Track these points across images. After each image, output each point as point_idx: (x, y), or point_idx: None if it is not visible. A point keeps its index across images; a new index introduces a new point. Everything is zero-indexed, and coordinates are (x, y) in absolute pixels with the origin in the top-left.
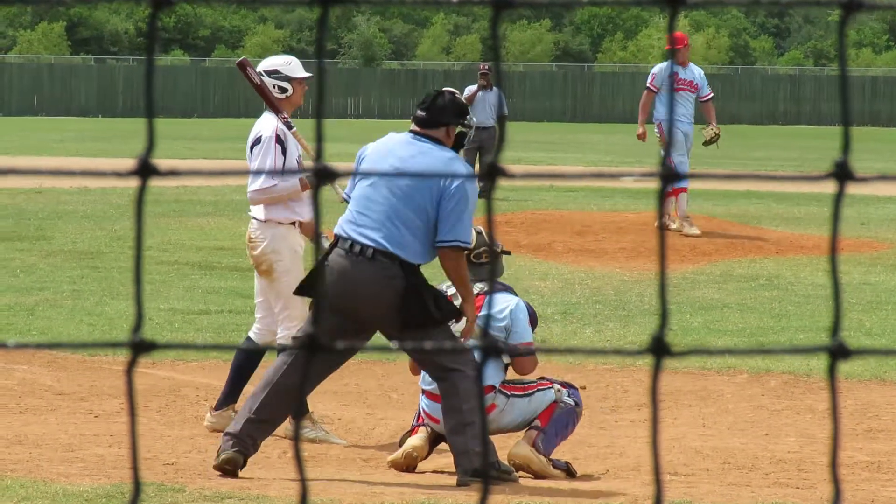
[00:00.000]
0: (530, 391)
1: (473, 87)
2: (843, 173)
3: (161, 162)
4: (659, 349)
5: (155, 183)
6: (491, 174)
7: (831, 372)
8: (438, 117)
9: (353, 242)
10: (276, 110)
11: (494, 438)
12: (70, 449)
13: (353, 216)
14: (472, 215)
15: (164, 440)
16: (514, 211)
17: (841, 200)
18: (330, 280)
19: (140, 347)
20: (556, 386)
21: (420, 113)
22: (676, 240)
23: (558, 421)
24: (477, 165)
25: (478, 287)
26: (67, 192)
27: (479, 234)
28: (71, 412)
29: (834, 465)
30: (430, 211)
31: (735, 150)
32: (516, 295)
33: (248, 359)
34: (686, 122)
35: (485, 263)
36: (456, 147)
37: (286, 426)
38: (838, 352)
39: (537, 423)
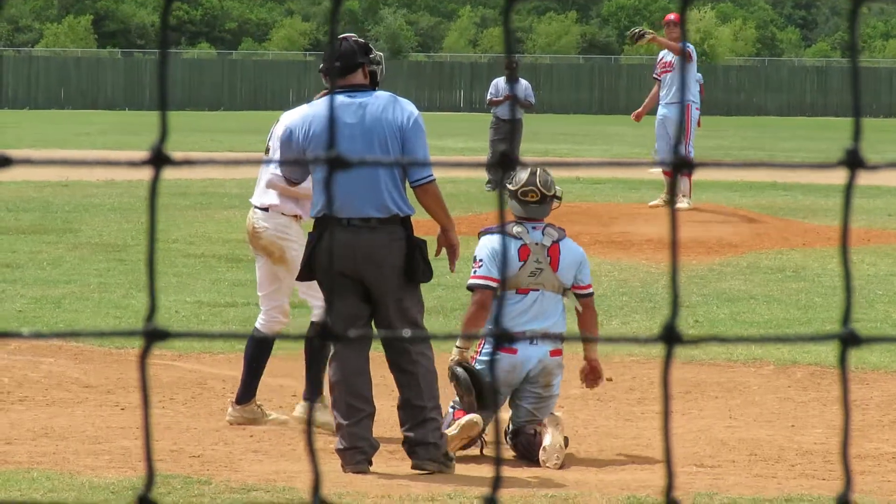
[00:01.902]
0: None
1: (501, 80)
2: (853, 161)
3: (186, 155)
4: (671, 337)
5: (181, 175)
6: (503, 164)
7: (842, 360)
8: (352, 61)
9: (350, 219)
10: None
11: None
12: (97, 441)
13: (333, 194)
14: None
15: (190, 432)
16: None
17: (852, 188)
18: (333, 260)
19: (154, 336)
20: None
21: (337, 64)
22: (702, 231)
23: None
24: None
25: (549, 234)
26: (94, 184)
27: (531, 173)
28: (97, 405)
29: (845, 454)
30: (400, 157)
31: (763, 141)
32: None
33: (259, 350)
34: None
35: (531, 203)
36: (372, 85)
37: (303, 413)
38: (849, 339)
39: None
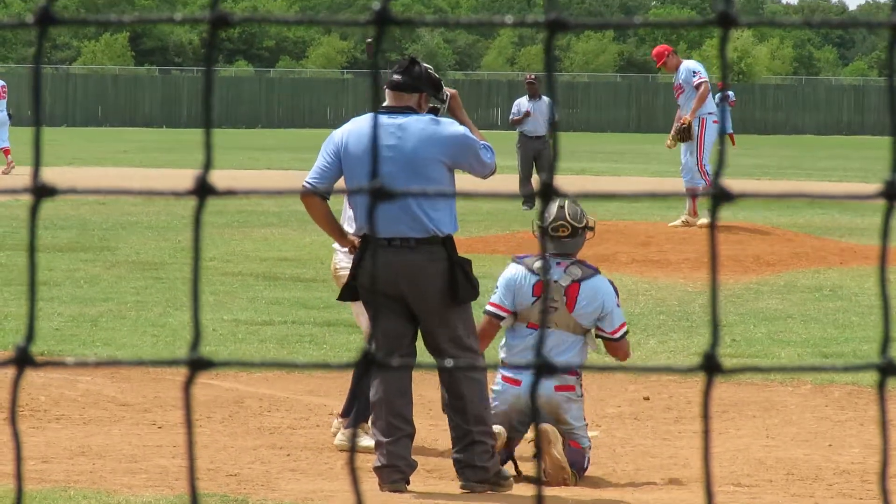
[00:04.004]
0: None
1: (523, 100)
2: (892, 192)
3: (224, 173)
4: (710, 367)
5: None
6: (545, 194)
7: (881, 388)
8: (416, 83)
9: (391, 239)
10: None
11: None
12: (133, 460)
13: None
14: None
15: (227, 451)
16: None
17: (890, 219)
18: (375, 280)
19: (198, 365)
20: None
21: (396, 77)
22: (739, 250)
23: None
24: (534, 175)
25: (571, 274)
26: (131, 202)
27: (560, 207)
28: (134, 423)
29: (883, 479)
30: (441, 174)
31: (800, 160)
32: (600, 273)
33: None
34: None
35: (563, 237)
36: None
37: (341, 437)
38: (888, 369)
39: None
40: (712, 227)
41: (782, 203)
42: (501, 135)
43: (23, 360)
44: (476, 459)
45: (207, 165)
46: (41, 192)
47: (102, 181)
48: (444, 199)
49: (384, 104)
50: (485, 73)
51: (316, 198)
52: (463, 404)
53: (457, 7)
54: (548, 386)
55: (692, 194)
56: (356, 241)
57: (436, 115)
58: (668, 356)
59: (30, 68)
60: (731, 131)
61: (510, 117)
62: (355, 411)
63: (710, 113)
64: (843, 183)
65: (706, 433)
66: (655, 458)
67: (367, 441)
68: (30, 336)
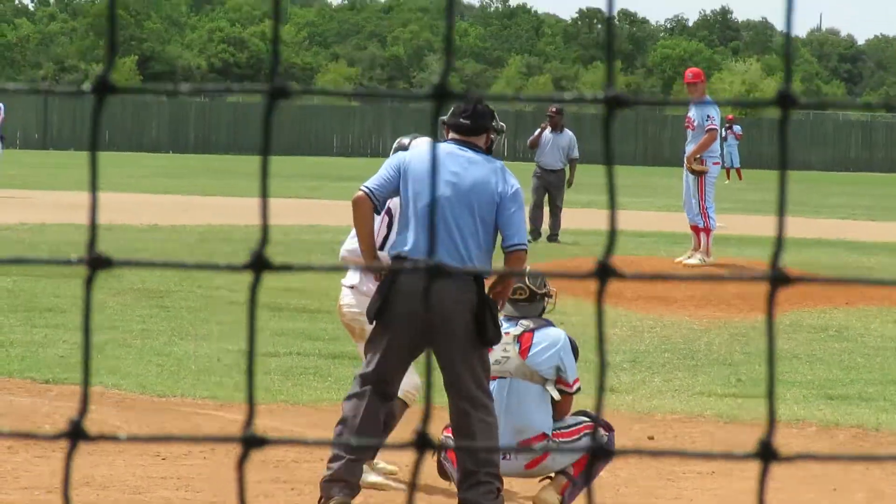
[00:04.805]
0: (577, 436)
1: (545, 131)
2: None
3: (234, 201)
4: (767, 454)
5: (225, 221)
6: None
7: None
8: (481, 123)
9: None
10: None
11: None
12: (137, 491)
13: (414, 235)
14: None
15: (231, 484)
16: (584, 256)
17: None
18: (405, 302)
19: (251, 443)
20: (601, 431)
21: (464, 121)
22: (746, 288)
23: (589, 470)
24: (546, 208)
25: (522, 324)
26: (138, 229)
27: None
28: (138, 454)
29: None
30: (489, 219)
31: (808, 195)
32: (554, 325)
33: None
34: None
35: (520, 300)
36: (489, 151)
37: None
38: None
39: (570, 470)
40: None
41: (789, 241)
42: (509, 165)
43: (76, 433)
44: (481, 499)
45: (263, 241)
46: (97, 263)
47: (109, 206)
48: (483, 242)
49: (451, 137)
50: (492, 105)
51: (368, 202)
52: (472, 444)
53: (464, 35)
54: (517, 466)
55: (706, 230)
56: (385, 262)
57: (491, 145)
58: (672, 395)
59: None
60: (739, 166)
61: (528, 139)
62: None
63: (711, 155)
64: (851, 221)
65: None
66: (659, 498)
67: (373, 477)
68: (83, 410)
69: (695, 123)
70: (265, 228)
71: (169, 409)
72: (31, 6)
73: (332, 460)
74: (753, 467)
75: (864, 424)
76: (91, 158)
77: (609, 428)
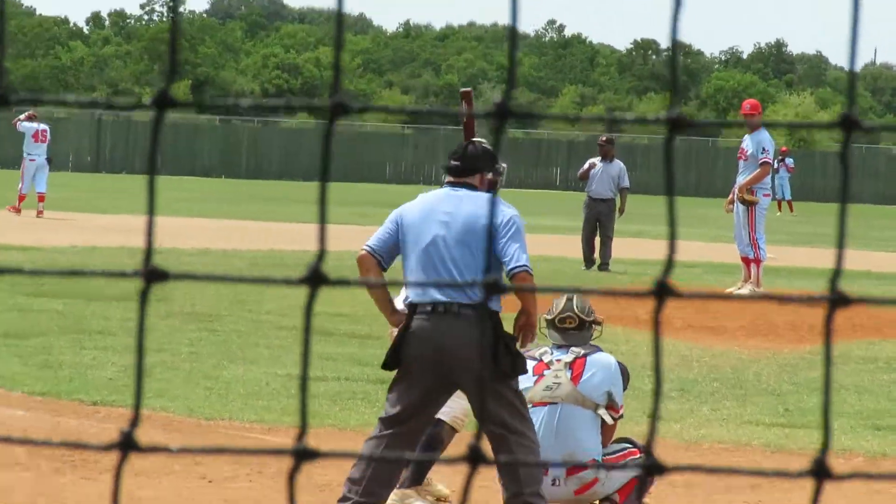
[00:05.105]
0: (623, 461)
1: (595, 160)
2: None
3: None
4: (820, 472)
5: (276, 245)
6: (661, 293)
7: None
8: (472, 164)
9: (435, 304)
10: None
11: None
12: None
13: (420, 280)
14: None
15: None
16: (634, 283)
17: None
18: (418, 345)
19: (303, 455)
20: (644, 457)
21: (454, 163)
22: (795, 318)
23: (635, 496)
24: (597, 239)
25: (573, 351)
26: (188, 252)
27: (568, 299)
28: (185, 476)
29: None
30: (494, 251)
31: (858, 228)
32: (605, 352)
33: (434, 437)
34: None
35: (570, 329)
36: (490, 192)
37: (394, 496)
38: None
39: (616, 497)
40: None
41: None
42: (561, 195)
43: (127, 444)
44: None
45: (321, 255)
46: (153, 275)
47: (160, 229)
48: (494, 271)
49: (448, 181)
50: (545, 132)
51: (372, 259)
52: (514, 469)
53: (519, 65)
54: (567, 491)
55: (756, 261)
56: (404, 314)
57: (495, 187)
58: (720, 424)
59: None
60: (790, 198)
61: (579, 172)
62: (411, 472)
63: (762, 187)
64: None
65: None
66: None
67: (419, 503)
68: (135, 421)
69: (748, 154)
70: (322, 240)
71: (216, 432)
72: (85, 29)
73: (341, 500)
74: (802, 497)
75: None
76: (150, 170)
77: (649, 453)
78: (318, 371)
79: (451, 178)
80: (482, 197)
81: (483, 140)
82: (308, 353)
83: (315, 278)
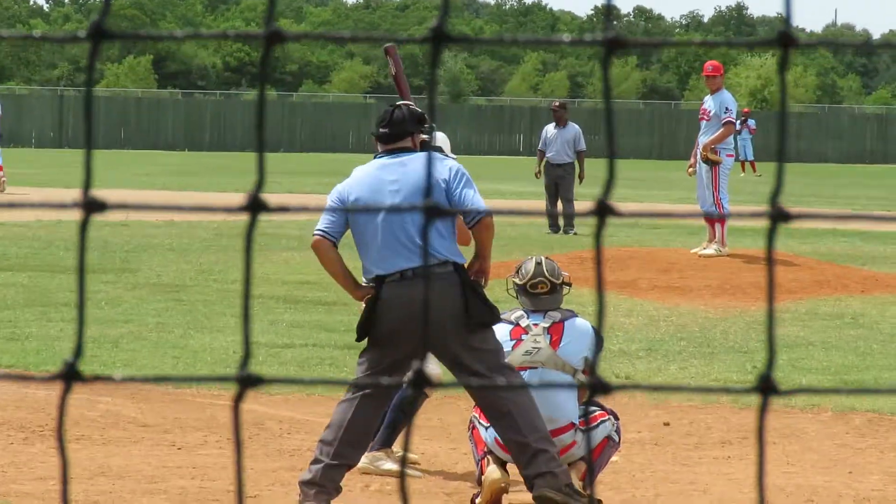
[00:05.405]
0: (595, 424)
1: (549, 127)
2: None
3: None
4: (766, 388)
5: (240, 217)
6: (601, 212)
7: None
8: (402, 128)
9: (403, 272)
10: (406, 97)
11: None
12: (153, 481)
13: (383, 253)
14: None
15: (246, 473)
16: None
17: None
18: (390, 315)
19: (247, 382)
20: (610, 418)
21: (383, 130)
22: (761, 277)
23: (604, 456)
24: (559, 203)
25: (550, 316)
26: (153, 224)
27: (538, 264)
28: (154, 444)
29: None
30: (445, 206)
31: (823, 187)
32: (581, 318)
33: (405, 401)
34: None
35: (542, 294)
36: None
37: (368, 463)
38: None
39: (589, 457)
40: (769, 248)
41: (805, 231)
42: (524, 160)
43: (70, 375)
44: (543, 467)
45: (260, 184)
46: (91, 206)
47: (125, 202)
48: (445, 231)
49: (382, 148)
50: (507, 99)
51: (326, 242)
52: (512, 419)
53: (480, 33)
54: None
55: (720, 220)
56: (369, 288)
57: (427, 146)
58: (688, 382)
59: (53, 90)
60: (753, 159)
61: (538, 147)
62: (381, 434)
63: (725, 147)
64: (866, 212)
65: (761, 454)
66: (675, 483)
67: (389, 465)
68: (78, 352)
69: (710, 114)
70: (261, 170)
71: (184, 401)
72: (45, 7)
73: (313, 462)
74: (771, 452)
75: (879, 409)
76: (86, 106)
77: (616, 417)
78: (285, 338)
79: (384, 146)
80: (422, 156)
81: (410, 102)
82: (249, 280)
83: (254, 205)
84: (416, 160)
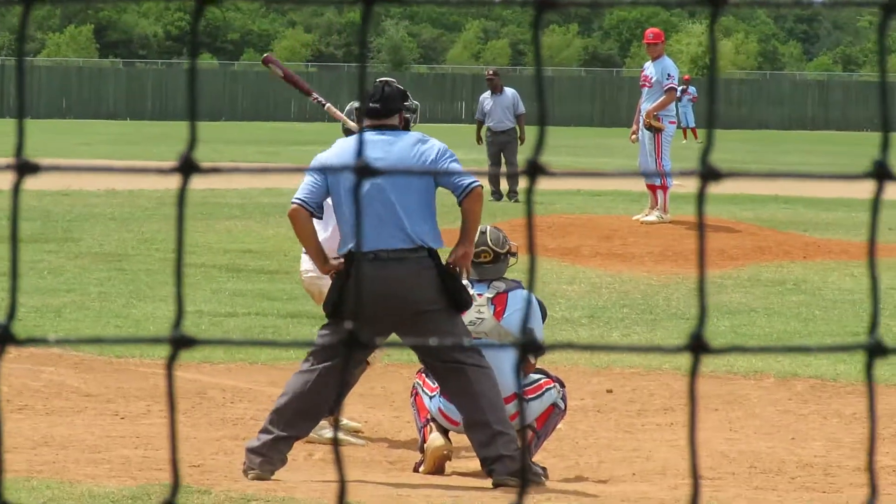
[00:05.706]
0: (541, 392)
1: (486, 95)
2: (881, 173)
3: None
4: (697, 346)
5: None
6: (532, 172)
7: (868, 370)
8: (392, 105)
9: (377, 252)
10: (308, 93)
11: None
12: (96, 450)
13: (361, 228)
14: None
15: (189, 442)
16: (542, 214)
17: (880, 200)
18: (362, 294)
19: (180, 343)
20: (556, 386)
21: (374, 105)
22: (707, 245)
23: (550, 424)
24: (502, 167)
25: (494, 286)
26: (94, 194)
27: (482, 233)
28: (97, 414)
29: (871, 463)
30: (427, 188)
31: (764, 154)
32: (525, 289)
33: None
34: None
35: (485, 263)
36: (405, 129)
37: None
38: (875, 350)
39: (534, 424)
40: (700, 208)
41: (746, 197)
42: (466, 128)
43: (4, 337)
44: (502, 449)
45: (192, 143)
46: (24, 168)
47: (66, 174)
48: (427, 214)
49: (368, 124)
50: (449, 67)
51: (304, 212)
52: (476, 400)
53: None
54: None
55: (662, 188)
56: (338, 263)
57: (408, 124)
58: (639, 343)
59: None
60: (694, 125)
61: (476, 116)
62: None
63: (666, 114)
64: (831, 174)
65: (692, 414)
66: (619, 450)
67: (328, 433)
68: (11, 314)
69: (652, 80)
70: (193, 130)
71: (127, 370)
72: None
73: (261, 431)
74: (713, 419)
75: (822, 375)
76: (18, 63)
77: (562, 384)
78: (228, 307)
79: (371, 122)
80: (409, 136)
81: (392, 80)
82: (182, 243)
83: (186, 167)
84: (404, 140)
